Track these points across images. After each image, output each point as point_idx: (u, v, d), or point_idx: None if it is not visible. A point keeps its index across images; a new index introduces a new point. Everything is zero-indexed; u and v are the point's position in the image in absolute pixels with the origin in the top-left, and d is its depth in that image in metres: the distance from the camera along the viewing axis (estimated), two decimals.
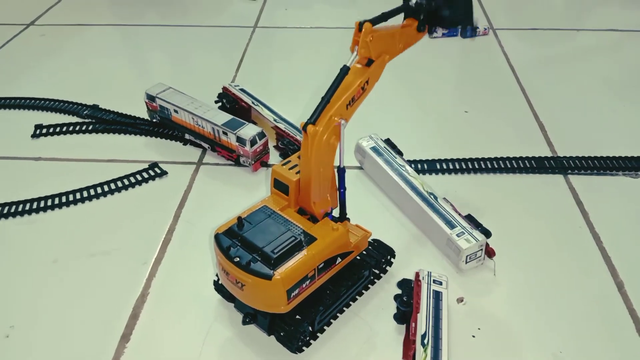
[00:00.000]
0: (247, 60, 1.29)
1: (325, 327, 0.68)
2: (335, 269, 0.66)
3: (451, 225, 0.76)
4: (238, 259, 0.60)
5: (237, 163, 0.94)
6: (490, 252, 0.76)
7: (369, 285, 0.74)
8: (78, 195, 0.89)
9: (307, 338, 0.66)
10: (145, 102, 1.02)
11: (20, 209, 0.87)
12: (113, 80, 1.23)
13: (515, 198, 0.88)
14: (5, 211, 0.86)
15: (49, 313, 0.71)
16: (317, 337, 0.67)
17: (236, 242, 0.62)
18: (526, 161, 0.94)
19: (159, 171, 0.94)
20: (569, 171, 0.93)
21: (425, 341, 0.62)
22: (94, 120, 1.07)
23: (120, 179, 0.92)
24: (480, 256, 0.75)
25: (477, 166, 0.94)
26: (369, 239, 0.72)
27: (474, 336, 0.68)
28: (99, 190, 0.90)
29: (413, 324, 0.64)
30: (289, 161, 0.70)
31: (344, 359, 0.65)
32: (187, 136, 1.00)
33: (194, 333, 0.68)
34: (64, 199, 0.88)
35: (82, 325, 0.70)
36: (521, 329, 0.68)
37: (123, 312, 0.71)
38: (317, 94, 1.15)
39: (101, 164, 0.97)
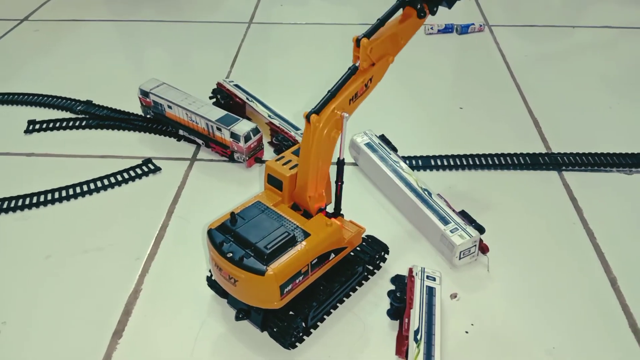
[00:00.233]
0: (242, 56, 1.29)
1: (318, 323, 0.68)
2: (328, 265, 0.66)
3: (445, 221, 0.76)
4: (231, 254, 0.60)
5: (231, 159, 0.94)
6: (483, 248, 0.76)
7: (363, 281, 0.73)
8: (71, 191, 0.89)
9: (300, 334, 0.66)
10: (139, 98, 1.02)
11: (13, 204, 0.86)
12: (107, 76, 1.22)
13: (509, 194, 0.88)
14: None
15: (41, 309, 0.71)
16: (311, 333, 0.67)
17: (229, 237, 0.62)
18: (520, 157, 0.94)
19: (152, 167, 0.94)
20: (564, 167, 0.93)
21: (418, 337, 0.62)
22: (87, 116, 1.07)
23: (114, 174, 0.92)
24: (473, 252, 0.75)
25: (471, 162, 0.94)
26: (363, 235, 0.72)
27: (467, 332, 0.68)
28: (92, 186, 0.90)
29: (406, 320, 0.64)
30: (283, 157, 0.70)
31: (337, 354, 0.65)
32: (181, 132, 1.00)
33: (186, 329, 0.68)
34: (57, 195, 0.88)
35: (74, 321, 0.70)
36: (515, 325, 0.69)
37: (116, 308, 0.71)
38: (312, 90, 1.15)
39: (94, 160, 0.96)
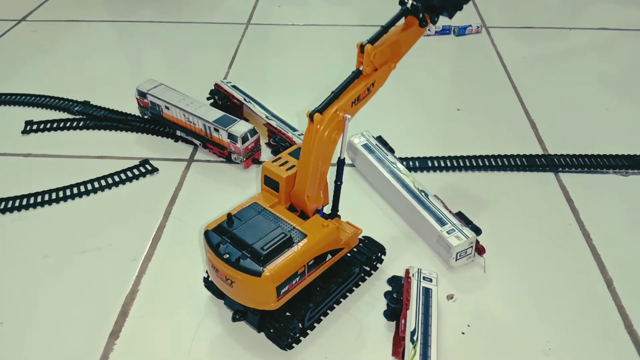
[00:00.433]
0: (239, 57, 1.29)
1: (315, 324, 0.68)
2: (325, 266, 0.66)
3: (442, 223, 0.76)
4: (227, 255, 0.60)
5: (229, 160, 0.94)
6: (480, 250, 0.76)
7: (360, 282, 0.74)
8: (68, 192, 0.89)
9: (297, 335, 0.66)
10: (137, 99, 1.02)
11: (10, 205, 0.86)
12: (104, 76, 1.22)
13: (506, 196, 0.88)
14: None
15: (38, 309, 0.71)
16: (307, 333, 0.67)
17: (226, 238, 0.62)
18: (517, 159, 0.94)
19: (150, 168, 0.94)
20: (560, 169, 0.93)
21: (415, 338, 0.62)
22: (85, 117, 1.07)
23: (111, 175, 0.92)
24: (470, 253, 0.75)
25: (468, 164, 0.94)
26: (360, 236, 0.72)
27: (463, 333, 0.68)
28: (89, 186, 0.90)
29: (403, 321, 0.65)
30: (280, 158, 0.70)
31: (334, 355, 0.65)
32: (178, 133, 1.00)
33: (183, 330, 0.68)
34: (54, 196, 0.88)
35: (71, 322, 0.70)
36: (511, 326, 0.69)
37: (113, 308, 0.71)
38: (310, 91, 1.15)
39: (92, 161, 0.96)
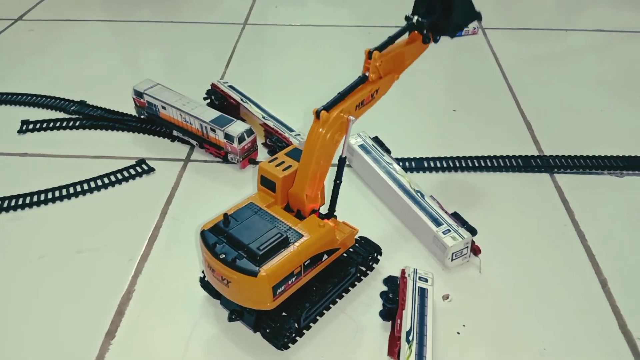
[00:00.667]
0: (236, 57, 1.29)
1: (311, 324, 0.69)
2: (321, 266, 0.66)
3: (437, 223, 0.76)
4: (224, 255, 0.60)
5: (225, 160, 0.94)
6: (475, 250, 0.76)
7: (356, 282, 0.74)
8: (65, 192, 0.89)
9: (293, 335, 0.66)
10: (133, 99, 1.02)
11: (6, 205, 0.86)
12: (101, 76, 1.22)
13: (501, 196, 0.89)
14: None
15: (34, 309, 0.71)
16: (303, 333, 0.68)
17: (222, 238, 0.62)
18: (513, 160, 0.95)
19: (146, 168, 0.94)
20: (555, 170, 0.93)
21: (410, 338, 0.63)
22: (81, 116, 1.07)
23: (108, 175, 0.92)
24: (465, 254, 0.75)
25: (464, 164, 0.94)
26: (356, 236, 0.72)
27: (459, 333, 0.68)
28: (85, 186, 0.90)
29: (398, 321, 0.65)
30: (276, 158, 0.70)
31: (329, 355, 0.66)
32: (175, 133, 1.00)
33: (179, 330, 0.68)
34: (50, 195, 0.88)
35: (67, 322, 0.69)
36: (506, 326, 0.69)
37: (109, 308, 0.71)
38: (306, 91, 1.15)
39: (88, 160, 0.96)
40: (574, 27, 1.42)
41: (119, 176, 0.92)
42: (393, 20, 1.44)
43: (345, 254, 0.71)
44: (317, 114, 0.63)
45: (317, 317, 0.69)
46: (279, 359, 0.65)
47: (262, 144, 0.98)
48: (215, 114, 0.94)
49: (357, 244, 0.74)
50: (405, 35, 0.69)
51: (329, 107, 0.63)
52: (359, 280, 0.74)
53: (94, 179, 0.91)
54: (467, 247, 0.75)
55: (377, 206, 0.86)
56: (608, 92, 1.16)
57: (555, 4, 1.57)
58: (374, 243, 0.75)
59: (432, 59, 1.29)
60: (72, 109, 1.08)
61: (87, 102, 1.10)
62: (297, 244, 0.62)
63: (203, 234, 0.63)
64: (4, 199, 0.87)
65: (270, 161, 0.69)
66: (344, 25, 1.43)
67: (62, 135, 1.03)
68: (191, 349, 0.66)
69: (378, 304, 0.71)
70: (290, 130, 0.94)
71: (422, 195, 0.81)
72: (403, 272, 0.70)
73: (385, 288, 0.72)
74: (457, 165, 0.94)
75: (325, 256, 0.66)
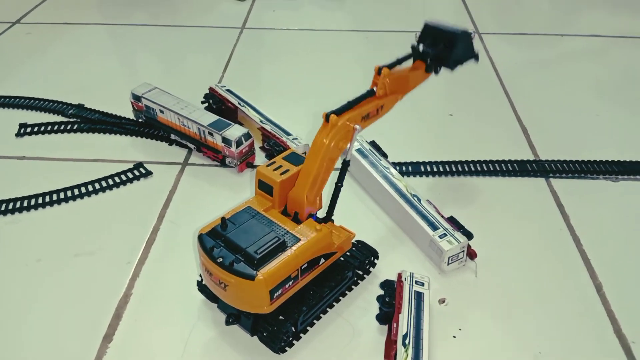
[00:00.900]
0: (234, 61, 1.29)
1: (308, 328, 0.69)
2: (318, 270, 0.66)
3: (434, 227, 0.77)
4: (221, 259, 0.60)
5: (223, 164, 0.95)
6: (472, 254, 0.77)
7: (352, 286, 0.74)
8: (62, 195, 0.89)
9: (290, 338, 0.67)
10: (131, 102, 1.02)
11: (3, 208, 0.86)
12: (99, 79, 1.22)
13: (497, 201, 0.89)
14: None
15: (31, 312, 0.71)
16: (300, 337, 0.68)
17: (220, 242, 0.62)
18: (509, 164, 0.95)
19: (144, 171, 0.94)
20: (551, 174, 0.94)
21: (407, 341, 0.63)
22: (79, 120, 1.07)
23: (105, 178, 0.92)
24: (462, 258, 0.76)
25: (460, 169, 0.95)
26: (353, 240, 0.73)
27: (455, 337, 0.68)
28: (83, 190, 0.90)
29: (395, 325, 0.65)
30: (274, 162, 0.71)
31: (326, 359, 0.66)
32: (172, 136, 1.00)
33: (177, 333, 0.68)
34: (48, 199, 0.88)
35: (65, 325, 0.70)
36: (502, 330, 0.69)
37: (106, 312, 0.71)
38: (304, 95, 1.16)
39: (86, 164, 0.96)
40: (569, 32, 1.43)
41: (117, 180, 0.92)
42: (390, 25, 1.45)
43: (342, 258, 0.71)
44: (327, 117, 0.64)
45: (314, 321, 0.70)
46: None
47: (260, 147, 0.99)
48: (213, 117, 0.94)
49: (354, 248, 0.74)
50: (410, 61, 0.75)
51: (339, 112, 0.65)
52: (356, 284, 0.75)
53: (92, 183, 0.91)
54: (463, 251, 0.75)
55: (374, 210, 0.87)
56: (604, 97, 1.17)
57: (551, 9, 1.58)
58: (371, 247, 0.76)
59: None
60: (70, 112, 1.09)
61: (85, 106, 1.10)
62: (294, 247, 0.62)
63: (201, 237, 0.63)
64: (1, 202, 0.87)
65: (268, 165, 0.70)
66: (341, 30, 1.43)
67: (60, 139, 1.03)
68: (188, 353, 0.66)
69: (375, 308, 0.71)
70: (288, 134, 0.95)
71: (419, 200, 0.81)
72: (399, 276, 0.71)
73: (381, 292, 0.72)
74: (454, 169, 0.94)
75: (323, 260, 0.66)
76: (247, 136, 0.92)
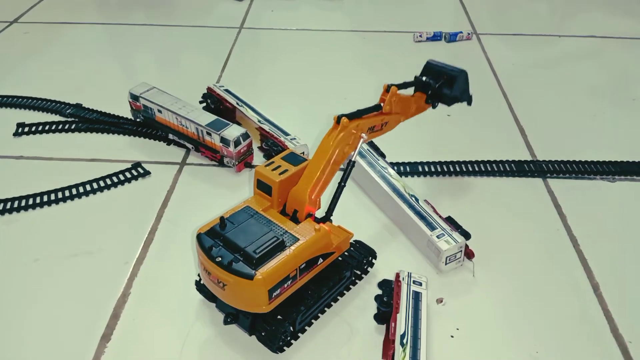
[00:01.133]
0: (232, 61, 1.29)
1: (306, 327, 0.69)
2: (317, 270, 0.67)
3: (431, 227, 0.77)
4: (220, 258, 0.60)
5: (221, 163, 0.95)
6: (469, 254, 0.77)
7: (351, 286, 0.74)
8: (60, 195, 0.89)
9: (288, 338, 0.67)
10: (129, 102, 1.02)
11: (1, 207, 0.86)
12: (97, 79, 1.22)
13: (494, 201, 0.89)
14: None
15: (29, 312, 0.71)
16: (298, 337, 0.68)
17: (218, 242, 0.62)
18: (506, 164, 0.96)
19: (142, 171, 0.94)
20: (548, 175, 0.94)
21: (405, 341, 0.63)
22: (77, 119, 1.07)
23: (103, 178, 0.92)
24: (459, 257, 0.76)
25: (458, 169, 0.95)
26: (351, 240, 0.73)
27: (452, 336, 0.69)
28: (81, 189, 0.90)
29: (393, 324, 0.65)
30: (273, 162, 0.71)
31: (324, 358, 0.66)
32: (170, 136, 1.00)
33: (175, 333, 0.68)
34: (45, 199, 0.88)
35: (62, 325, 0.70)
36: (499, 330, 0.70)
37: (104, 311, 0.71)
38: (302, 95, 1.16)
39: (84, 163, 0.96)
40: (567, 33, 1.44)
41: (115, 179, 0.92)
42: (388, 25, 1.45)
43: (340, 258, 0.71)
44: (338, 119, 0.67)
45: (312, 321, 0.70)
46: None
47: (258, 147, 0.99)
48: (211, 117, 0.94)
49: (352, 248, 0.74)
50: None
51: (352, 117, 0.68)
52: (354, 283, 0.75)
53: (90, 182, 0.91)
54: (461, 251, 0.76)
55: (372, 210, 0.87)
56: (600, 98, 1.17)
57: (548, 10, 1.59)
58: (369, 247, 0.76)
59: None
60: (67, 111, 1.08)
61: (83, 105, 1.10)
62: (292, 247, 0.62)
63: (199, 237, 0.63)
64: None
65: (266, 165, 0.70)
66: (339, 30, 1.43)
67: (57, 138, 1.03)
68: (187, 352, 0.66)
69: (372, 308, 0.71)
70: (286, 134, 0.95)
71: (417, 200, 0.82)
72: (397, 275, 0.71)
73: (379, 292, 0.73)
74: (451, 169, 0.95)
75: (321, 260, 0.66)
76: (245, 136, 0.92)
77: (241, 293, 0.61)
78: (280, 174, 0.68)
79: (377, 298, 0.70)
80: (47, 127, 1.04)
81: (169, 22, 1.47)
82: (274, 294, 0.61)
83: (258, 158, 0.97)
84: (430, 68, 0.81)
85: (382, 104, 0.74)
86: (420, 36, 1.38)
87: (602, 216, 0.87)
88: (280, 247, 0.62)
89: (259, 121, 0.98)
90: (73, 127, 1.05)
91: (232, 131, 0.91)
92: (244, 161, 0.94)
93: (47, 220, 0.85)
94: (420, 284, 0.70)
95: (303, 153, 0.89)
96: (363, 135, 0.69)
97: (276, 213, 0.68)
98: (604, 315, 0.72)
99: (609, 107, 1.14)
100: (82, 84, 1.20)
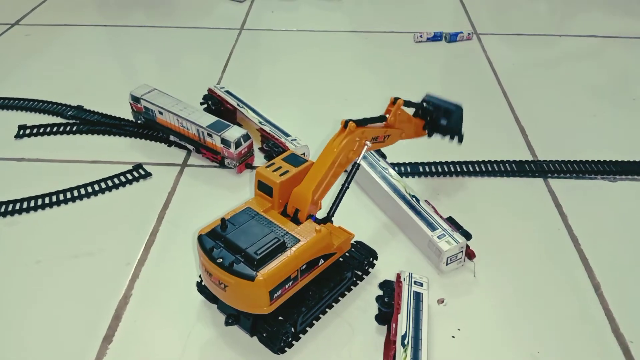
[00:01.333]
0: (233, 62, 1.29)
1: (307, 328, 0.69)
2: (318, 271, 0.67)
3: (432, 228, 0.77)
4: (221, 260, 0.60)
5: (222, 165, 0.95)
6: (470, 254, 0.77)
7: (352, 287, 0.74)
8: (62, 197, 0.89)
9: (290, 339, 0.67)
10: (130, 104, 1.02)
11: (3, 209, 0.86)
12: (98, 81, 1.22)
13: (495, 201, 0.89)
14: None
15: (31, 314, 0.71)
16: (300, 338, 0.68)
17: (219, 243, 0.62)
18: (507, 164, 0.96)
19: (143, 172, 0.94)
20: (549, 175, 0.94)
21: (406, 342, 0.63)
22: (78, 121, 1.07)
23: (104, 180, 0.92)
24: (460, 258, 0.76)
25: (458, 169, 0.95)
26: (352, 241, 0.73)
27: (453, 337, 0.69)
28: (82, 191, 0.90)
29: (394, 325, 0.65)
30: (273, 163, 0.71)
31: (325, 359, 0.66)
32: (171, 138, 1.00)
33: (176, 334, 0.69)
34: (47, 200, 0.88)
35: (64, 326, 0.70)
36: (500, 330, 0.70)
37: (106, 313, 0.71)
38: (302, 96, 1.16)
39: (85, 165, 0.97)
40: (567, 33, 1.44)
41: (116, 181, 0.92)
42: (388, 26, 1.45)
43: (341, 259, 0.72)
44: (346, 124, 0.68)
45: (314, 322, 0.70)
46: None
47: (259, 149, 0.99)
48: (211, 119, 0.95)
49: (353, 249, 0.74)
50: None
51: (359, 124, 0.69)
52: (355, 284, 0.75)
53: (91, 184, 0.91)
54: (462, 251, 0.76)
55: (373, 211, 0.87)
56: (600, 97, 1.17)
57: (548, 10, 1.59)
58: (370, 248, 0.76)
59: (427, 64, 1.30)
60: (69, 113, 1.09)
61: (84, 107, 1.10)
62: (293, 248, 0.62)
63: (200, 238, 0.63)
64: (0, 203, 0.87)
65: (267, 166, 0.70)
66: (339, 31, 1.44)
67: (59, 140, 1.03)
68: (188, 354, 0.66)
69: (374, 308, 0.71)
70: (287, 135, 0.95)
71: (417, 200, 0.82)
72: (398, 276, 0.71)
73: (380, 292, 0.73)
74: (452, 170, 0.95)
75: (322, 261, 0.67)
76: (246, 137, 0.92)
77: (242, 294, 0.61)
78: (281, 175, 0.68)
79: (378, 299, 0.71)
80: (48, 129, 1.04)
81: (169, 23, 1.47)
82: (275, 295, 0.61)
83: (259, 159, 0.98)
84: (429, 102, 0.85)
85: (387, 115, 0.76)
86: (421, 36, 1.38)
87: (603, 216, 0.87)
88: (281, 248, 0.62)
89: (260, 122, 0.98)
90: (74, 128, 1.05)
91: (233, 132, 0.91)
92: (245, 162, 0.94)
93: (48, 221, 0.85)
94: (421, 285, 0.70)
95: (304, 154, 0.89)
96: (367, 143, 0.71)
97: (277, 214, 0.68)
98: (605, 315, 0.72)
99: (609, 107, 1.14)
100: (82, 86, 1.20)
